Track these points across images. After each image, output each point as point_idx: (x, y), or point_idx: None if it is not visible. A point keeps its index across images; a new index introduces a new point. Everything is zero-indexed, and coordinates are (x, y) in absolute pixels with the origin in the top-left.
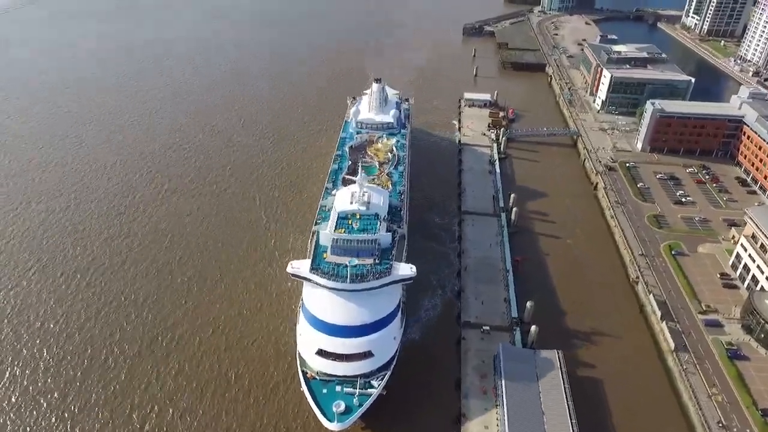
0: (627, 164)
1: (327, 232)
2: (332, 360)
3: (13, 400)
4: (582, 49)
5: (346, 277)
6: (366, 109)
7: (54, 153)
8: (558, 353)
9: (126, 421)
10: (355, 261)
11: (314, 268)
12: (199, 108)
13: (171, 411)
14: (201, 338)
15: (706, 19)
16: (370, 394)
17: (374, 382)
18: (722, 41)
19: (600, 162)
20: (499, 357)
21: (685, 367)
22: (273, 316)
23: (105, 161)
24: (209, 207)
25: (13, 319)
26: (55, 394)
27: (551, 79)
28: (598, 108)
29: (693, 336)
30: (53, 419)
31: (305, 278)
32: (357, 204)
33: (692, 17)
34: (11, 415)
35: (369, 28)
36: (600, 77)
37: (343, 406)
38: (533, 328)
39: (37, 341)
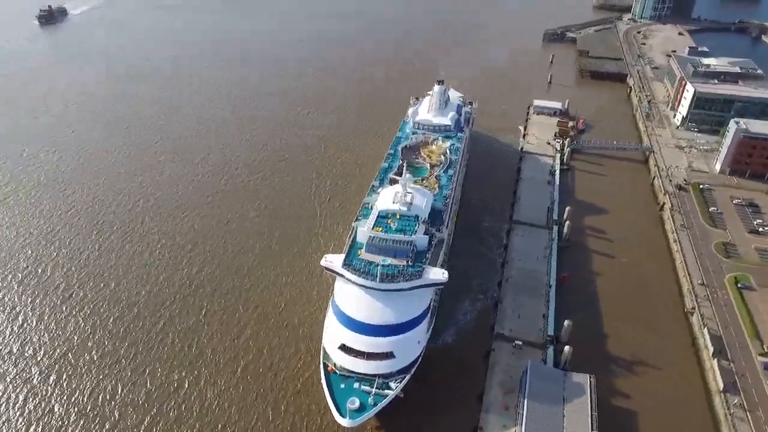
0: (701, 186)
1: (365, 230)
2: (353, 356)
3: (77, 354)
4: (669, 61)
5: (376, 276)
6: (425, 110)
7: (136, 139)
8: (590, 378)
9: (174, 392)
10: (388, 261)
11: (347, 264)
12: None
13: (222, 382)
14: (248, 322)
15: None
16: (386, 395)
17: (392, 384)
18: None
19: (671, 181)
20: (526, 374)
21: (732, 411)
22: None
23: (160, 157)
24: (269, 200)
25: (90, 281)
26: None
27: (631, 90)
28: (678, 124)
29: (748, 379)
30: (106, 376)
31: (337, 273)
32: (398, 204)
33: None
34: (70, 369)
35: (448, 28)
36: (683, 91)
37: (357, 404)
38: (567, 348)
39: (109, 304)
